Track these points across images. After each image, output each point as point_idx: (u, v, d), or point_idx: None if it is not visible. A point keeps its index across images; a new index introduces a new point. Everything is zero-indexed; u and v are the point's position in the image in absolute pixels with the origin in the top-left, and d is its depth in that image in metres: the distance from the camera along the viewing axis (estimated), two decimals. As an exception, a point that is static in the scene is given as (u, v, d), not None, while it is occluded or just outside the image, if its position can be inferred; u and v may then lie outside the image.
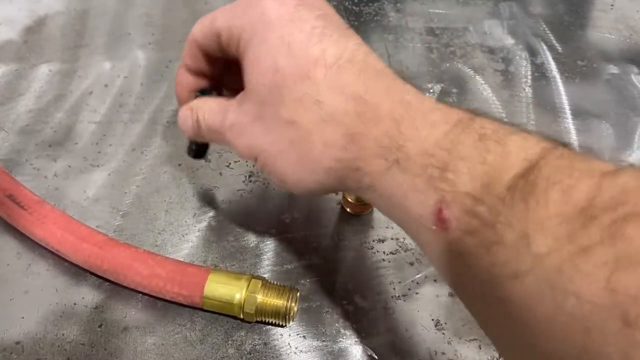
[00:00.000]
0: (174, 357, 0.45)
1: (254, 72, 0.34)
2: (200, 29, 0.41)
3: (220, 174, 0.59)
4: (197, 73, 0.44)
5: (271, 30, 0.33)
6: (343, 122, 0.32)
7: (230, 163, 0.60)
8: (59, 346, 0.45)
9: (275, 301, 0.45)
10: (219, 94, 0.44)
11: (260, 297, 0.45)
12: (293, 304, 0.45)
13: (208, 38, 0.40)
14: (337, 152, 0.33)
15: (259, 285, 0.45)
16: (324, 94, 0.32)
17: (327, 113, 0.32)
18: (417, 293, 0.50)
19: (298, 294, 0.47)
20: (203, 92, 0.43)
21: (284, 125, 0.33)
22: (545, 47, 0.80)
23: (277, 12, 0.34)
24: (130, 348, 0.45)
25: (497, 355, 0.46)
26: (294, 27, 0.33)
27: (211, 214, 0.55)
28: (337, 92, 0.32)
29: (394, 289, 0.50)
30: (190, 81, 0.44)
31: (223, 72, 0.45)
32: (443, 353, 0.46)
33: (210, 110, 0.40)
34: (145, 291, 0.47)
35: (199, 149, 0.49)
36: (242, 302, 0.45)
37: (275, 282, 0.47)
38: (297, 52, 0.33)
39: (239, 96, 0.37)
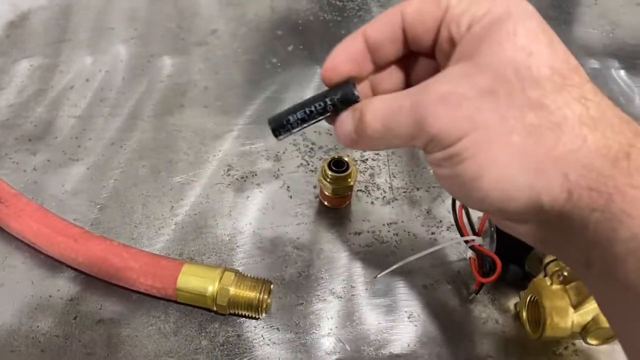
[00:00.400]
0: (147, 349, 0.45)
1: (496, 43, 0.29)
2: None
3: (199, 167, 0.59)
4: (365, 58, 0.35)
5: (534, 17, 0.30)
6: (609, 134, 0.27)
7: (209, 157, 0.60)
8: (33, 338, 0.45)
9: (248, 293, 0.45)
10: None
11: (232, 290, 0.45)
12: (266, 297, 0.46)
13: (426, 14, 0.32)
14: (590, 159, 0.27)
15: (232, 278, 0.46)
16: (590, 94, 0.28)
17: (592, 114, 0.28)
18: (391, 286, 0.50)
19: (272, 287, 0.47)
20: (347, 88, 0.34)
21: (528, 107, 0.28)
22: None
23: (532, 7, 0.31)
24: (104, 340, 0.46)
25: (468, 347, 0.46)
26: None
27: (188, 207, 0.55)
28: (604, 100, 0.28)
29: (368, 281, 0.50)
30: (358, 62, 0.34)
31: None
32: (416, 345, 0.46)
33: (384, 101, 0.32)
34: (120, 283, 0.47)
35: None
36: (215, 294, 0.45)
37: (249, 275, 0.47)
38: (559, 50, 0.29)
39: (454, 68, 0.30)
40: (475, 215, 0.51)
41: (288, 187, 0.58)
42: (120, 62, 0.71)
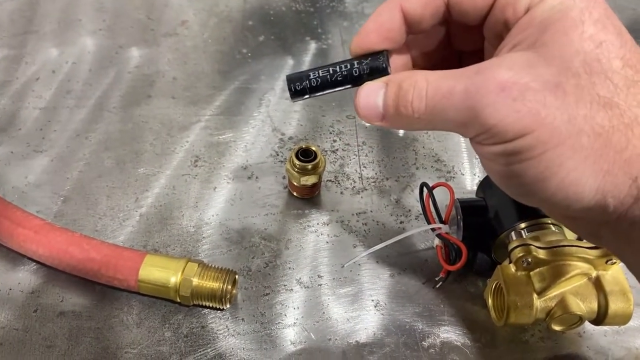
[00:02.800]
0: (109, 341, 0.44)
1: (561, 32, 0.26)
2: None
3: (165, 158, 0.58)
4: (401, 32, 0.32)
5: (600, 2, 0.28)
6: None
7: (175, 148, 0.59)
8: (-9, 332, 0.44)
9: (212, 284, 0.45)
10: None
11: (196, 280, 0.45)
12: (230, 287, 0.45)
13: None
14: None
15: (195, 269, 0.45)
16: None
17: None
18: (358, 274, 0.50)
19: (236, 277, 0.47)
20: (380, 57, 0.32)
21: (597, 104, 0.25)
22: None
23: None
24: (66, 332, 0.45)
25: (435, 335, 0.46)
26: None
27: (153, 199, 0.54)
28: None
29: (336, 270, 0.50)
30: (395, 32, 0.32)
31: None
32: (382, 333, 0.46)
33: (431, 79, 0.29)
34: (81, 275, 0.46)
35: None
36: (178, 285, 0.44)
37: (213, 266, 0.46)
38: (628, 40, 0.27)
39: (514, 56, 0.27)
40: (443, 203, 0.51)
41: (257, 177, 0.57)
42: (87, 54, 0.70)
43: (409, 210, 0.55)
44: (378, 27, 0.31)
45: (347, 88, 0.33)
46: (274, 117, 0.64)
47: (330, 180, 0.58)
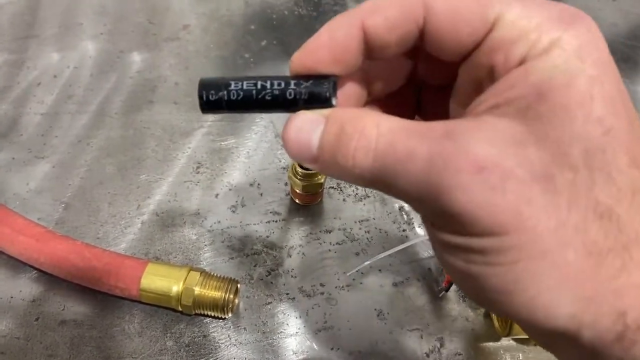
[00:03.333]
0: (111, 350, 0.44)
1: (563, 106, 0.20)
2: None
3: (167, 165, 0.58)
4: (357, 55, 0.25)
5: (612, 69, 0.21)
6: None
7: (177, 154, 0.59)
8: (-8, 341, 0.44)
9: (214, 293, 0.44)
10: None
11: (197, 290, 0.44)
12: (232, 296, 0.45)
13: (462, 24, 0.23)
14: None
15: (197, 278, 0.45)
16: None
17: None
18: (361, 283, 0.50)
19: (238, 286, 0.46)
20: (326, 83, 0.25)
21: (593, 213, 0.20)
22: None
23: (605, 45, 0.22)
24: (67, 342, 0.44)
25: (438, 345, 0.46)
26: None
27: (155, 205, 0.54)
28: None
29: (338, 279, 0.50)
30: (352, 54, 0.25)
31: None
32: (384, 342, 0.46)
33: (385, 129, 0.22)
34: (82, 283, 0.46)
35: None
36: (180, 294, 0.44)
37: (215, 274, 0.46)
38: (637, 126, 0.21)
39: (499, 122, 0.21)
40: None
41: (259, 184, 0.57)
42: (88, 58, 0.70)
43: (412, 217, 0.55)
44: (331, 43, 0.24)
45: (276, 112, 0.26)
46: (276, 122, 0.63)
47: (332, 187, 0.57)
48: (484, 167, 0.20)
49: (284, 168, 0.59)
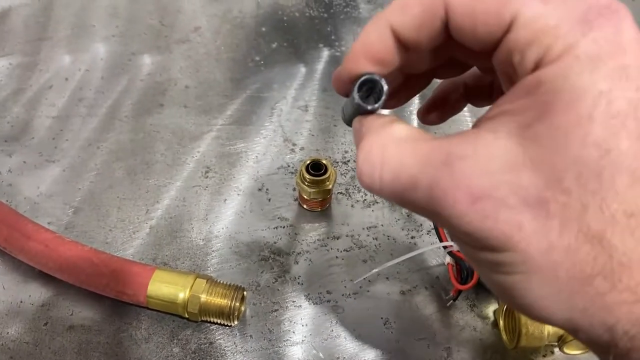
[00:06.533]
0: (118, 356, 0.44)
1: (560, 127, 0.20)
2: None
3: (176, 169, 0.58)
4: (392, 55, 0.26)
5: (635, 77, 0.20)
6: None
7: (187, 158, 0.59)
8: (2, 344, 0.45)
9: (220, 301, 0.45)
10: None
11: (204, 297, 0.44)
12: (238, 304, 0.45)
13: (480, 23, 0.23)
14: None
15: (204, 285, 0.45)
16: None
17: None
18: (368, 291, 0.49)
19: (245, 293, 0.46)
20: (370, 82, 0.26)
21: (584, 236, 0.20)
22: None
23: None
24: (75, 347, 0.45)
25: (445, 355, 0.45)
26: None
27: (164, 210, 0.54)
28: None
29: (345, 286, 0.50)
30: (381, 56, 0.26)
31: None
32: (391, 352, 0.46)
33: (396, 151, 0.24)
34: (90, 289, 0.46)
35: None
36: (186, 301, 0.44)
37: (221, 281, 0.46)
38: None
39: (497, 143, 0.21)
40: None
41: (267, 189, 0.57)
42: (100, 61, 0.70)
43: (421, 224, 0.55)
44: (366, 49, 0.26)
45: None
46: (285, 126, 0.63)
47: (341, 193, 0.57)
48: (478, 197, 0.21)
49: (292, 173, 0.59)
